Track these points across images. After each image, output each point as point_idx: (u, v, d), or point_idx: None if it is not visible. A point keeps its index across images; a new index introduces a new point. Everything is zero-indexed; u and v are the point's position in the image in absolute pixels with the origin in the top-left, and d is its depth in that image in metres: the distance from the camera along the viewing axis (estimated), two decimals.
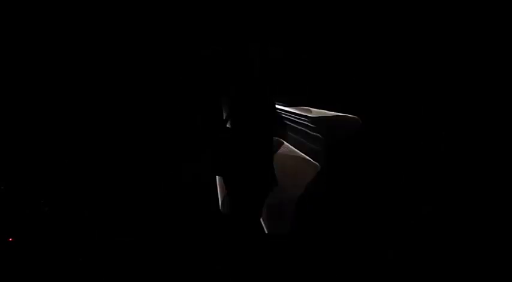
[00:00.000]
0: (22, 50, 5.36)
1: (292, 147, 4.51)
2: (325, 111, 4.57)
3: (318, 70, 5.38)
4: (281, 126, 4.47)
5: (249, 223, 3.98)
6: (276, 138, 4.29)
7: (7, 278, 4.66)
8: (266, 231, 4.37)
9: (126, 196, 5.33)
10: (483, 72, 5.18)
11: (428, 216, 5.14)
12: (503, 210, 5.04)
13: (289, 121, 4.47)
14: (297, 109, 4.51)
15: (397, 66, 5.32)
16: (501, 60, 5.16)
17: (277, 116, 4.37)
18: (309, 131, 4.49)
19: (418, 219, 5.14)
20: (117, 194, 5.33)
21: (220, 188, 4.29)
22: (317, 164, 4.52)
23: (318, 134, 4.48)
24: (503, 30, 5.15)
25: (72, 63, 5.41)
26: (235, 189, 4.00)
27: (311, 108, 4.56)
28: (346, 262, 5.00)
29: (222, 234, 4.19)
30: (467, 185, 5.14)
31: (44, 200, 5.11)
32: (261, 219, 4.32)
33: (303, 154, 4.48)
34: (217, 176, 4.28)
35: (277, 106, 4.34)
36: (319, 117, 4.51)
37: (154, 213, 5.34)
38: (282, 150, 4.38)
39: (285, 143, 4.51)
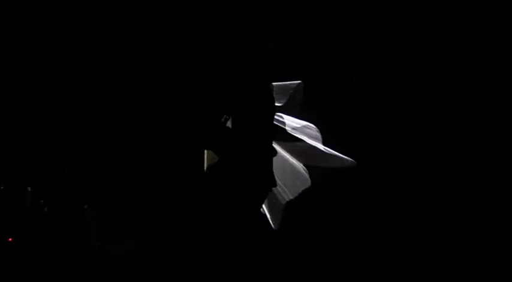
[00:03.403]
0: (22, 50, 5.36)
1: (291, 147, 4.52)
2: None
3: (318, 70, 5.39)
4: (280, 126, 4.48)
5: (248, 223, 3.99)
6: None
7: (7, 278, 4.67)
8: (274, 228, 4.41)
9: (126, 196, 5.34)
10: (483, 72, 5.18)
11: (428, 217, 5.15)
12: (503, 210, 5.04)
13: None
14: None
15: (397, 66, 5.33)
16: (501, 61, 5.16)
17: (277, 117, 4.38)
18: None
19: (417, 219, 5.15)
20: (117, 194, 5.34)
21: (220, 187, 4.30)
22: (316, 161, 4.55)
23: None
24: (503, 30, 5.15)
25: (73, 63, 5.42)
26: (235, 189, 4.00)
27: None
28: (345, 261, 5.03)
29: (221, 234, 4.19)
30: (467, 185, 5.15)
31: (44, 200, 5.11)
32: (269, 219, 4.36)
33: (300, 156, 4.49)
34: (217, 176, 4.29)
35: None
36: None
37: (154, 213, 5.35)
38: (280, 150, 4.39)
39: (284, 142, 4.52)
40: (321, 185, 4.87)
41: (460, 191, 5.12)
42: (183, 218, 5.32)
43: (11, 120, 5.33)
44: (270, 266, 4.48)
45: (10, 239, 4.83)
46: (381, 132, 5.31)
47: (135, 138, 5.44)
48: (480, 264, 4.86)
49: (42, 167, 5.26)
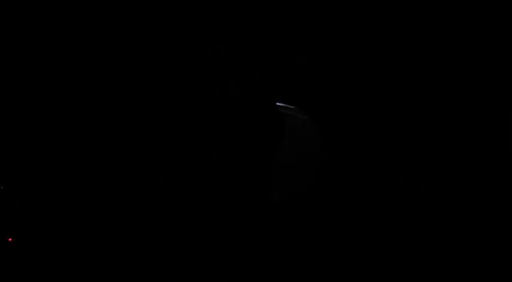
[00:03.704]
0: (22, 49, 5.36)
1: (291, 146, 4.52)
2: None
3: (318, 69, 5.39)
4: (281, 126, 4.48)
5: (247, 223, 4.00)
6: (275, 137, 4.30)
7: (7, 278, 4.66)
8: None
9: (126, 196, 5.34)
10: (483, 72, 5.18)
11: (428, 217, 5.15)
12: (504, 210, 5.04)
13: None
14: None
15: (397, 66, 5.32)
16: (501, 61, 5.16)
17: (278, 116, 4.38)
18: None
19: (417, 219, 5.15)
20: (117, 194, 5.33)
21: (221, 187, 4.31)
22: (316, 161, 4.54)
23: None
24: (503, 30, 5.15)
25: (72, 62, 5.41)
26: (234, 189, 4.01)
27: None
28: (345, 261, 5.02)
29: (222, 234, 4.20)
30: (467, 185, 5.14)
31: (44, 199, 5.11)
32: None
33: (301, 153, 4.49)
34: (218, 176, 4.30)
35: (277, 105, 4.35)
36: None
37: (154, 213, 5.34)
38: (280, 150, 4.40)
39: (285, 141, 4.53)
40: (321, 185, 4.88)
41: (460, 191, 5.12)
42: (183, 218, 5.32)
43: (11, 120, 5.33)
44: (270, 265, 4.48)
45: (10, 239, 4.83)
46: (381, 132, 5.31)
47: (135, 138, 5.44)
48: (480, 264, 4.86)
49: (42, 167, 5.26)
